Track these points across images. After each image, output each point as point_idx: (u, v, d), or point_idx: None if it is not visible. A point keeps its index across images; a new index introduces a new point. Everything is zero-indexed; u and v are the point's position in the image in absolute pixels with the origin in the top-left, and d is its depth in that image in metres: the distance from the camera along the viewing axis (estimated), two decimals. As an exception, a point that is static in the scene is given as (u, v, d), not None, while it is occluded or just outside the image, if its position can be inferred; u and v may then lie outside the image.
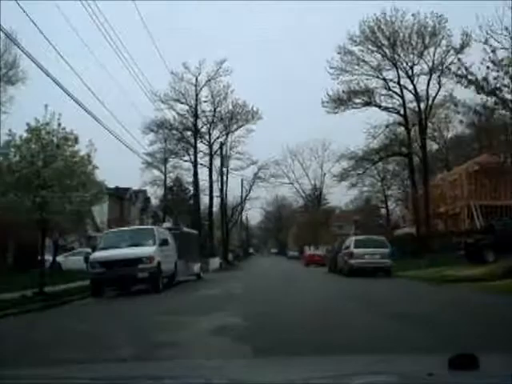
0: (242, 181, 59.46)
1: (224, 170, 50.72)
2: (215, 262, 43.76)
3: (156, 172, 58.17)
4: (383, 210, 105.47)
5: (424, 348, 6.28)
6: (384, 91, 42.47)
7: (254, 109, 49.79)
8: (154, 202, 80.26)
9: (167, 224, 30.12)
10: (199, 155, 51.81)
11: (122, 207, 62.09)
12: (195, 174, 48.20)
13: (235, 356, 6.60)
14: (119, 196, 58.91)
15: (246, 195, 58.91)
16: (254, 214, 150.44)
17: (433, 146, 50.14)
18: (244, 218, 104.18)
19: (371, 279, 23.81)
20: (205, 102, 46.83)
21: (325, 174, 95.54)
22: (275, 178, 58.21)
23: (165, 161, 57.25)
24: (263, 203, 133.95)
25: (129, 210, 65.53)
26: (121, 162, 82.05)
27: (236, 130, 51.09)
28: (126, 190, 63.56)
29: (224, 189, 54.81)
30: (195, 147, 46.91)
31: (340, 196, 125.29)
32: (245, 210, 74.80)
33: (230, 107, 48.70)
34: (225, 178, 53.55)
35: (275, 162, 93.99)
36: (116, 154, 50.39)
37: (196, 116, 46.42)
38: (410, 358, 2.91)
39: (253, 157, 54.91)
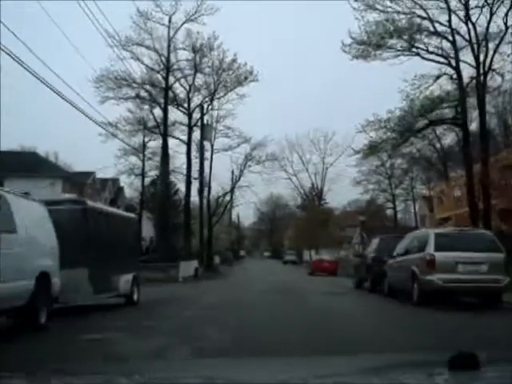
0: (231, 159, 46.50)
1: (205, 144, 37.64)
2: (188, 267, 30.69)
3: (134, 159, 45.28)
4: (389, 211, 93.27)
5: None
6: (426, 40, 29.52)
7: (248, 67, 36.77)
8: (133, 194, 67.56)
9: (65, 195, 16.79)
10: (177, 128, 38.72)
11: (81, 195, 49.11)
12: (164, 151, 35.11)
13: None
14: (76, 182, 45.72)
15: (236, 181, 45.58)
16: (246, 214, 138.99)
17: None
18: (235, 216, 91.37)
19: (476, 314, 11.88)
20: (182, 49, 33.84)
21: (327, 168, 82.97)
22: (272, 162, 45.00)
23: (144, 146, 44.49)
24: (256, 203, 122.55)
25: (92, 199, 52.43)
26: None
27: (223, 95, 38.08)
28: (87, 174, 50.44)
29: (207, 172, 41.63)
30: (165, 110, 33.76)
31: (339, 197, 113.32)
32: (235, 203, 61.68)
33: (216, 62, 35.66)
34: (208, 156, 40.40)
35: (272, 155, 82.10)
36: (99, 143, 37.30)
37: (168, 69, 33.35)
38: (410, 358, 2.74)
39: (244, 134, 41.95)
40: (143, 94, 34.76)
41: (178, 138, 38.01)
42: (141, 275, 26.85)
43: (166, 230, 37.04)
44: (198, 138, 36.77)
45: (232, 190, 44.87)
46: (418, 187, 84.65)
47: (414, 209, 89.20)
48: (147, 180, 65.35)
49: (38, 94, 77.70)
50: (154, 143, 47.45)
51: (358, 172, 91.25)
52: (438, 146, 67.66)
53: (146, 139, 43.51)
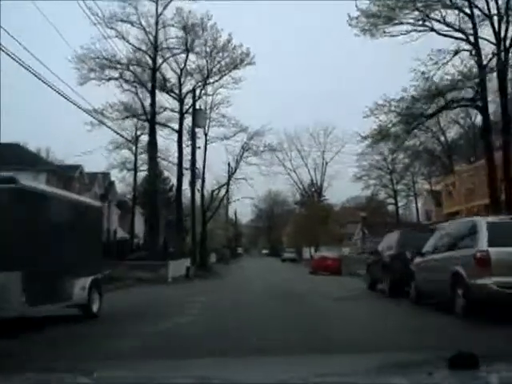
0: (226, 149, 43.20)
1: (199, 132, 34.35)
2: (179, 266, 27.49)
3: (127, 154, 42.12)
4: (390, 208, 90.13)
5: None
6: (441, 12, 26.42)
7: (244, 49, 33.54)
8: (126, 189, 64.33)
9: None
10: (167, 114, 35.47)
11: (68, 190, 45.84)
12: (151, 139, 31.85)
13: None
14: (62, 175, 42.49)
15: (232, 173, 42.20)
16: (243, 211, 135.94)
17: None
18: (232, 212, 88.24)
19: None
20: (171, 26, 30.50)
21: (326, 163, 79.75)
22: (270, 154, 41.73)
23: (136, 140, 41.23)
24: (254, 199, 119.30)
25: (79, 194, 49.21)
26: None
27: (218, 79, 34.80)
28: (74, 167, 47.18)
29: (201, 164, 38.55)
30: (152, 93, 30.37)
31: (339, 193, 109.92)
32: (232, 198, 58.48)
33: (210, 43, 32.39)
34: (201, 145, 37.12)
35: (270, 146, 78.77)
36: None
37: (156, 48, 30.04)
38: (410, 357, 2.78)
39: (241, 123, 38.74)
40: (128, 75, 31.43)
41: (166, 125, 34.70)
42: (129, 275, 24.72)
43: (155, 226, 33.81)
44: (190, 125, 33.48)
45: (228, 183, 41.57)
46: (420, 182, 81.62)
47: (416, 204, 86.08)
48: (140, 175, 62.40)
49: (32, 91, 74.28)
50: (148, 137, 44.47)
51: (359, 167, 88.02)
52: (442, 139, 64.70)
53: (139, 132, 40.43)
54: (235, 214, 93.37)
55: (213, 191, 39.93)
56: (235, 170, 41.78)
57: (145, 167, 49.21)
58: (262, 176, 51.15)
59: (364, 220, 70.89)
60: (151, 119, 30.76)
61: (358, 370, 2.20)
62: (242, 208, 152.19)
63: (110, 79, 29.96)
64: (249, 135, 39.53)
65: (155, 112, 30.82)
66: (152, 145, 30.60)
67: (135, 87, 31.20)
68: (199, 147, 34.22)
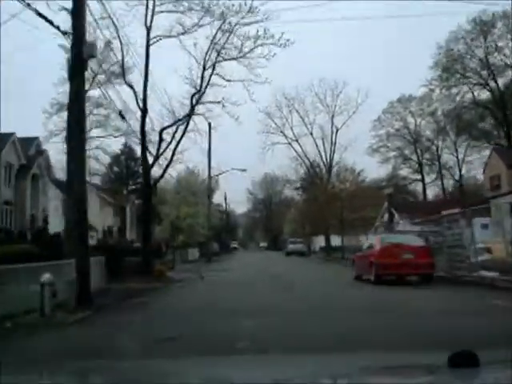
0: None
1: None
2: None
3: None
4: (412, 186, 73.06)
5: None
6: None
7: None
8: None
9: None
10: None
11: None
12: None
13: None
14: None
15: (197, 99, 22.85)
16: (237, 198, 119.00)
17: None
18: (220, 196, 71.00)
19: None
20: None
21: (337, 130, 62.70)
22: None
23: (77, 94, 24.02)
24: (249, 184, 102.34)
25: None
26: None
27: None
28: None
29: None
30: None
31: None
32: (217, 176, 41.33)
33: None
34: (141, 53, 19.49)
35: (266, 112, 61.35)
36: None
37: None
38: (410, 356, 2.74)
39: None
40: None
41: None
42: None
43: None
44: None
45: (190, 115, 22.26)
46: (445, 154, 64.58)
47: (442, 183, 69.13)
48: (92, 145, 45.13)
49: None
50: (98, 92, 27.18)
51: (375, 137, 71.91)
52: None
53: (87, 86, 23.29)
54: (225, 199, 76.04)
55: (162, 130, 21.35)
56: (205, 86, 22.25)
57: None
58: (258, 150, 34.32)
59: (390, 198, 53.62)
60: None
61: (355, 368, 2.15)
62: (236, 194, 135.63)
63: None
64: (225, 16, 20.73)
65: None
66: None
67: None
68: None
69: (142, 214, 23.95)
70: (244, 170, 43.03)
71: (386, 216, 54.41)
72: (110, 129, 43.66)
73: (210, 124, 30.35)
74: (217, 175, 42.78)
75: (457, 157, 66.83)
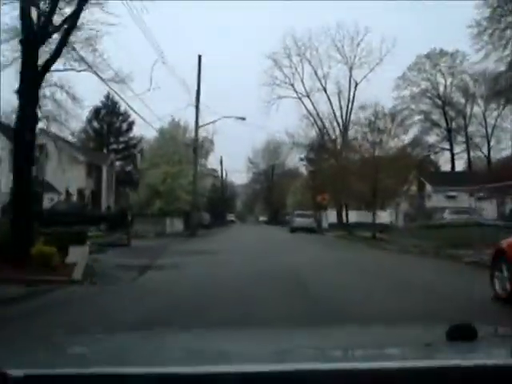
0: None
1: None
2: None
3: None
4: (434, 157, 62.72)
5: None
6: None
7: None
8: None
9: None
10: None
11: None
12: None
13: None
14: None
15: None
16: (236, 166, 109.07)
17: None
18: (215, 160, 61.02)
19: None
20: None
21: (356, 85, 52.41)
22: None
23: None
24: (249, 152, 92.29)
25: None
26: None
27: None
28: None
29: None
30: None
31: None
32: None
33: None
34: None
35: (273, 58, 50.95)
36: None
37: None
38: (407, 329, 2.64)
39: None
40: None
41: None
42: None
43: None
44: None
45: None
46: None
47: (468, 153, 58.74)
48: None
49: None
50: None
51: (397, 99, 61.91)
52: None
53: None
54: (221, 163, 65.96)
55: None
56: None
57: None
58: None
59: (420, 166, 43.77)
60: None
61: (354, 342, 2.13)
62: (235, 165, 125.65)
63: None
64: None
65: None
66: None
67: None
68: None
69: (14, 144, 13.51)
70: (243, 119, 32.81)
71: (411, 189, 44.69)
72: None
73: (200, 57, 21.41)
74: (208, 124, 32.55)
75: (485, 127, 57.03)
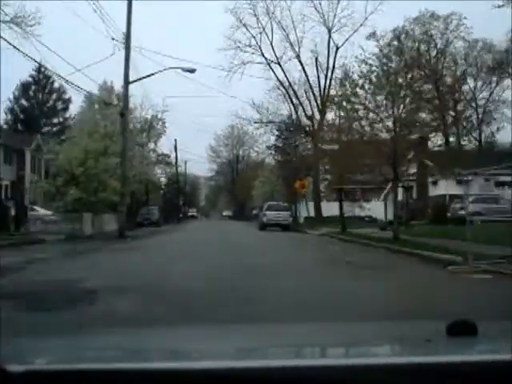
0: None
1: None
2: None
3: None
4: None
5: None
6: None
7: None
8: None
9: None
10: None
11: None
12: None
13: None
14: None
15: None
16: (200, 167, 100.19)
17: None
18: (167, 142, 51.00)
19: None
20: None
21: (336, 48, 43.06)
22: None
23: None
24: (211, 140, 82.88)
25: None
26: None
27: None
28: None
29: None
30: None
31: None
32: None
33: None
34: None
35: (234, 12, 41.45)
36: None
37: None
38: (407, 325, 2.66)
39: None
40: None
41: None
42: None
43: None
44: None
45: None
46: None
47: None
48: None
49: None
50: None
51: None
52: None
53: None
54: (175, 147, 56.13)
55: None
56: None
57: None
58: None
59: (424, 143, 34.61)
60: None
61: (353, 337, 2.08)
62: (197, 157, 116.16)
63: None
64: None
65: None
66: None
67: None
68: None
69: None
70: (191, 71, 22.75)
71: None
72: None
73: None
74: (145, 77, 22.56)
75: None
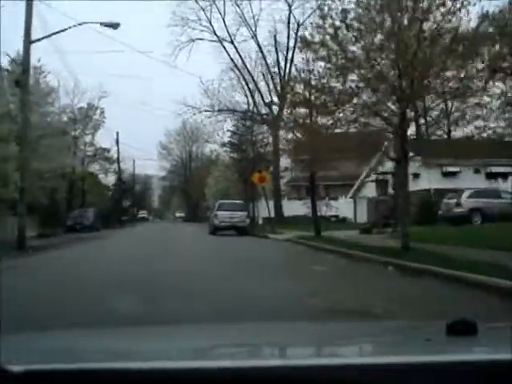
0: None
1: None
2: None
3: None
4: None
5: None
6: None
7: None
8: None
9: None
10: None
11: None
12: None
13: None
14: None
15: None
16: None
17: None
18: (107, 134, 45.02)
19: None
20: None
21: (298, 25, 37.58)
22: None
23: None
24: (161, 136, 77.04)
25: None
26: None
27: None
28: None
29: None
30: None
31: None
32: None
33: None
34: None
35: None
36: None
37: None
38: (407, 324, 2.69)
39: None
40: None
41: None
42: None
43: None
44: None
45: None
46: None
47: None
48: None
49: None
50: None
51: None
52: None
53: None
54: (117, 140, 49.91)
55: None
56: None
57: None
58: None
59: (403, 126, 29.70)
60: None
61: (354, 336, 2.07)
62: (150, 161, 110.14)
63: None
64: None
65: None
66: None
67: None
68: None
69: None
70: (114, 26, 16.87)
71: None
72: None
73: None
74: (54, 33, 16.71)
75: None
